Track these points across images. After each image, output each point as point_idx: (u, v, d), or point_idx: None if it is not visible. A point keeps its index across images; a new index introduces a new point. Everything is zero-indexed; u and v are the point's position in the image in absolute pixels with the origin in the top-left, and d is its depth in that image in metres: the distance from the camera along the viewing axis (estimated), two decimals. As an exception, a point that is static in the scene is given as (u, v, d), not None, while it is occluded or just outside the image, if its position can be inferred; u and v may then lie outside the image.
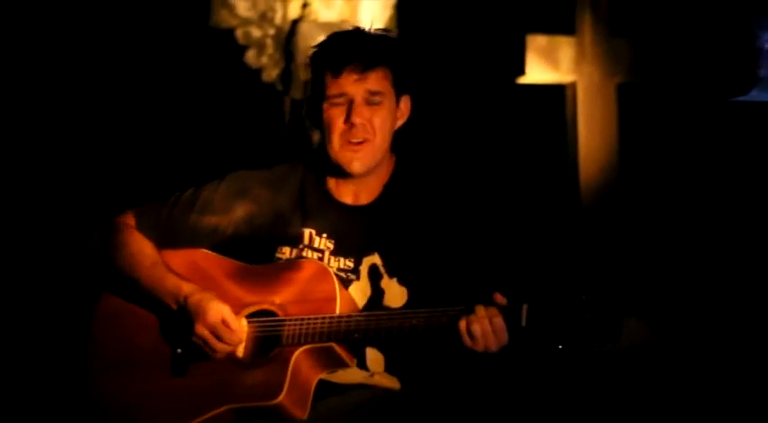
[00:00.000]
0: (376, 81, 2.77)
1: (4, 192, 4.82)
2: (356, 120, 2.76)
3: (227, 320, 2.68)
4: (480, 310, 2.57)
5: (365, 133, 2.77)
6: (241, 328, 2.70)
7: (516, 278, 2.72)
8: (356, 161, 2.78)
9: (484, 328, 2.56)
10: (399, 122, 2.85)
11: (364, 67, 2.77)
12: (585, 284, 2.58)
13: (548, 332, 2.54)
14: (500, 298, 2.59)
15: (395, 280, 2.76)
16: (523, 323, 2.55)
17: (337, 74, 2.78)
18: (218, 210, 2.84)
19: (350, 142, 2.78)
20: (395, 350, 2.76)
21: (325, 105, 2.79)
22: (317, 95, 2.83)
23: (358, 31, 2.86)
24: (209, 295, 2.72)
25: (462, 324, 2.58)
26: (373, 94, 2.77)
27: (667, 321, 4.44)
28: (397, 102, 2.84)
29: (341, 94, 2.77)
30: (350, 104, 2.77)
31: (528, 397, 3.99)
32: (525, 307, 2.55)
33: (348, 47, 2.81)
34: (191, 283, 2.76)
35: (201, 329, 2.68)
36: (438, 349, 2.72)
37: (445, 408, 2.75)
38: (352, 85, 2.76)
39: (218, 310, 2.69)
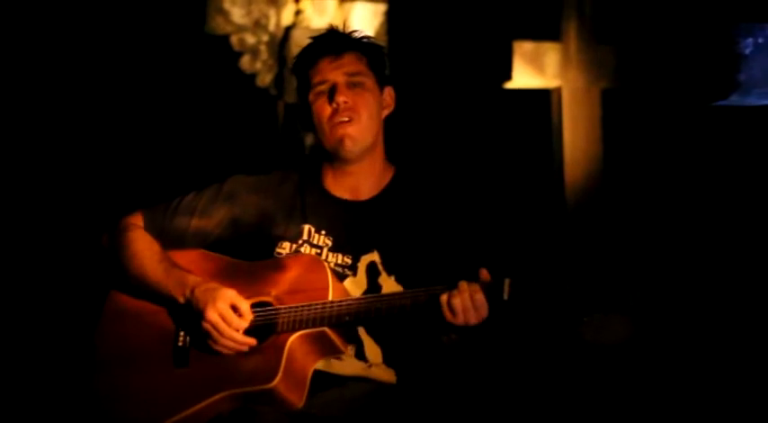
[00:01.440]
0: (351, 62, 2.88)
1: (22, 199, 4.81)
2: (339, 98, 2.85)
3: (236, 304, 2.75)
4: (463, 284, 2.64)
5: (351, 113, 2.86)
6: (249, 310, 2.76)
7: (501, 259, 2.78)
8: (347, 138, 2.85)
9: (464, 302, 2.62)
10: (386, 112, 2.97)
11: (337, 52, 2.88)
12: (564, 263, 2.65)
13: (529, 305, 2.62)
14: (485, 274, 2.66)
15: (393, 278, 2.84)
16: (505, 297, 2.62)
17: (315, 65, 2.89)
18: (209, 214, 2.92)
19: (338, 123, 2.84)
20: (392, 342, 2.84)
21: (311, 97, 2.88)
22: (303, 98, 2.91)
23: (327, 30, 2.99)
24: (215, 284, 2.79)
25: (444, 298, 2.64)
26: (352, 75, 2.87)
27: (651, 318, 4.38)
28: (381, 90, 2.94)
29: (322, 82, 2.87)
30: (332, 88, 2.87)
31: (520, 393, 4.01)
32: (507, 281, 2.63)
33: (320, 41, 2.95)
34: (195, 275, 2.82)
35: (212, 314, 2.74)
36: (423, 326, 2.77)
37: (441, 402, 2.80)
38: (331, 71, 2.87)
39: (227, 296, 2.75)
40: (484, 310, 2.63)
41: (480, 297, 2.63)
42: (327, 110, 2.85)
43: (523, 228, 4.72)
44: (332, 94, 2.85)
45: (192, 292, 2.78)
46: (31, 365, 4.45)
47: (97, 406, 2.83)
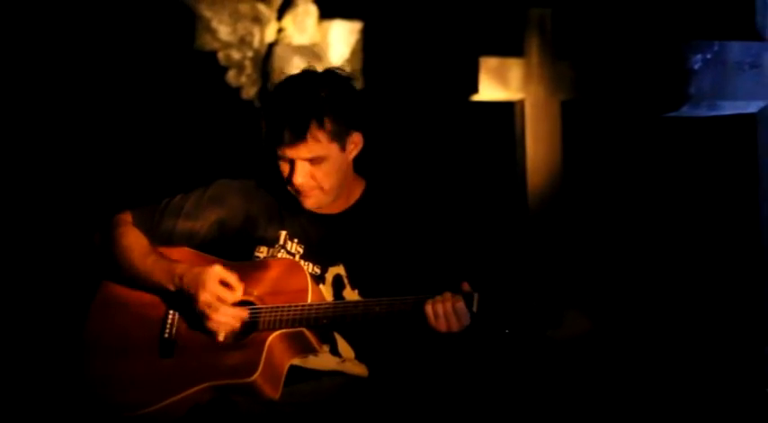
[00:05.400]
0: (313, 146, 2.77)
1: (18, 201, 4.96)
2: (297, 179, 2.80)
3: (224, 278, 2.80)
4: (446, 294, 2.70)
5: (309, 188, 2.82)
6: (237, 280, 2.80)
7: (469, 272, 2.80)
8: (307, 204, 2.87)
9: (446, 308, 2.68)
10: (352, 155, 2.87)
11: (297, 138, 2.76)
12: (529, 277, 2.83)
13: (496, 318, 2.68)
14: (466, 286, 2.71)
15: (356, 292, 2.86)
16: (474, 309, 2.68)
17: (278, 137, 2.79)
18: (196, 216, 2.94)
19: (298, 190, 2.84)
20: (363, 341, 2.87)
21: (277, 154, 2.83)
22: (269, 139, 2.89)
23: (300, 88, 2.82)
24: (201, 267, 2.81)
25: (428, 307, 2.69)
26: (313, 158, 2.79)
27: (606, 314, 4.54)
28: (345, 143, 2.83)
29: (283, 156, 2.80)
30: (292, 164, 2.80)
31: (487, 387, 4.14)
32: (476, 296, 2.69)
33: (284, 112, 2.79)
34: (182, 264, 2.86)
35: (204, 295, 2.77)
36: (405, 335, 2.81)
37: (411, 394, 2.87)
38: (291, 150, 2.78)
39: (214, 273, 2.79)
40: (465, 318, 2.70)
41: (461, 305, 2.69)
42: (287, 177, 2.83)
43: (489, 238, 4.80)
44: (291, 169, 2.81)
45: (181, 279, 2.81)
46: (19, 351, 4.57)
47: (82, 392, 2.88)
